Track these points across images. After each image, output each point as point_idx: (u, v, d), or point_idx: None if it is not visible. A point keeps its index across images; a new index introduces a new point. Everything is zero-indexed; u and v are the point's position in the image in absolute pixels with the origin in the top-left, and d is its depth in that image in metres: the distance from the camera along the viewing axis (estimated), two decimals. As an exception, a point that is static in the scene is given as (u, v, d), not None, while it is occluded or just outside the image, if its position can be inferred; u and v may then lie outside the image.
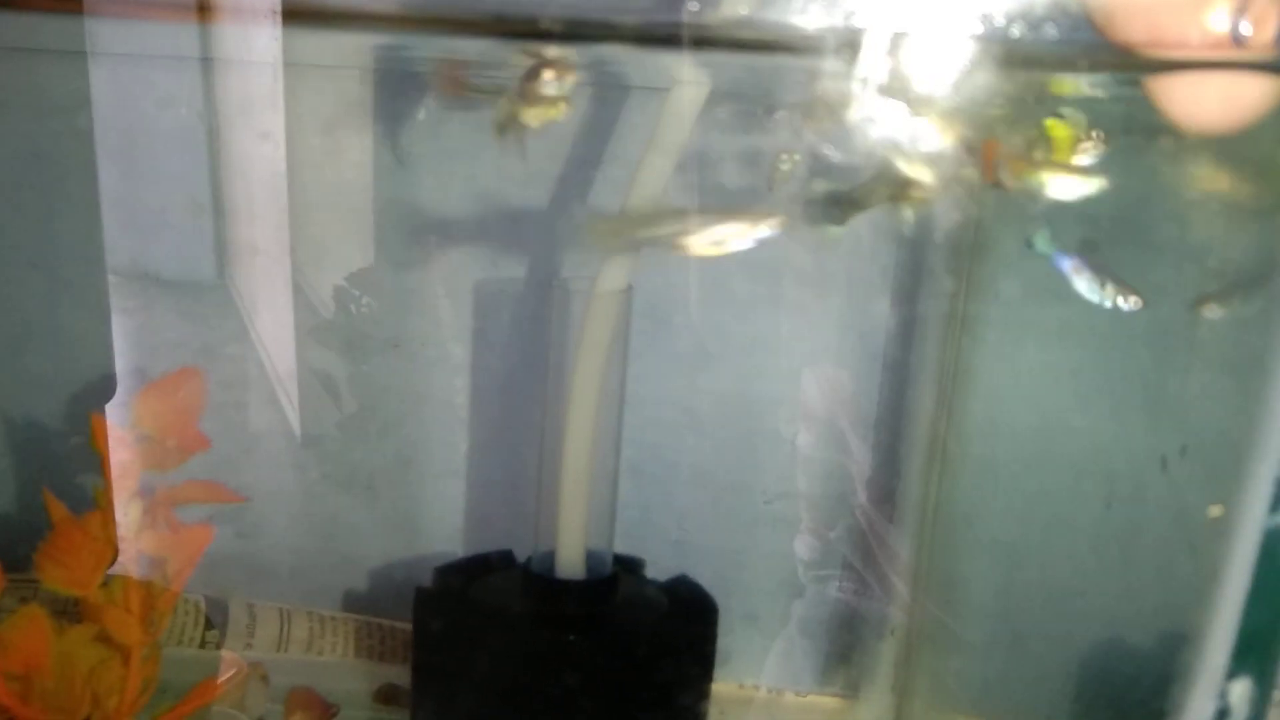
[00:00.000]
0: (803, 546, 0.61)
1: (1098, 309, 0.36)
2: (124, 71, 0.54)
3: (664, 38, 0.28)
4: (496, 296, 0.60)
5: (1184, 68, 0.27)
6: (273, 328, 0.59)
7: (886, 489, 0.60)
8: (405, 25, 0.31)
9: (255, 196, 0.57)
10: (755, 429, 0.61)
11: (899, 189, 0.37)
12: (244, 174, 0.57)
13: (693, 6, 0.25)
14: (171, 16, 0.35)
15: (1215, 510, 0.32)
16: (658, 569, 0.56)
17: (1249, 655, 0.31)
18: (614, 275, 0.46)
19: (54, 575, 0.47)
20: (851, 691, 0.63)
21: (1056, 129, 0.35)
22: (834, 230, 0.43)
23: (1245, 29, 0.25)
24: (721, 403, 0.61)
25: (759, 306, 0.59)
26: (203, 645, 0.59)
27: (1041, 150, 0.36)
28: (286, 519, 0.63)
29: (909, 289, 0.58)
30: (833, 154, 0.36)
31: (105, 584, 0.48)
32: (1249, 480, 0.30)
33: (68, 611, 0.49)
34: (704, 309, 0.59)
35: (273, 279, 0.58)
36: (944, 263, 0.55)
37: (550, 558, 0.50)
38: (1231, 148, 0.35)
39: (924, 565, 0.58)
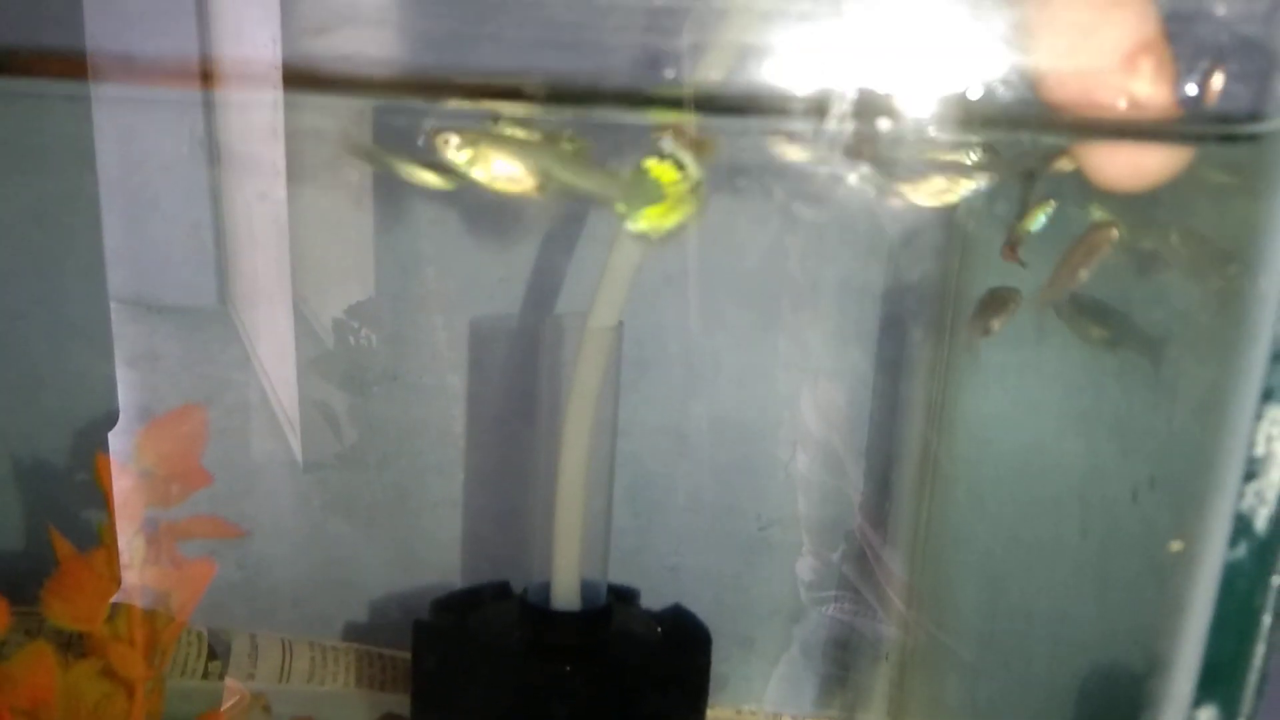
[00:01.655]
0: (804, 569, 0.62)
1: (1069, 349, 0.37)
2: (126, 108, 0.55)
3: (644, 101, 0.29)
4: (493, 330, 0.61)
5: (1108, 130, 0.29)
6: (274, 358, 0.60)
7: (880, 512, 0.61)
8: (391, 90, 0.32)
9: (256, 228, 0.58)
10: (748, 455, 0.62)
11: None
12: (245, 209, 0.58)
13: (669, 73, 0.27)
14: (176, 84, 0.36)
15: (1175, 545, 0.33)
16: (653, 595, 0.56)
17: (1215, 684, 0.32)
18: (605, 312, 0.47)
19: (60, 611, 0.48)
20: (848, 714, 0.64)
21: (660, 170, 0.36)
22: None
23: (1191, 90, 0.26)
24: (714, 429, 0.62)
25: (751, 333, 0.60)
26: (206, 676, 0.59)
27: None
28: (287, 549, 0.64)
29: (896, 329, 0.59)
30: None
31: (110, 619, 0.49)
32: (1209, 515, 0.32)
33: (73, 646, 0.49)
34: (697, 336, 0.60)
35: (274, 309, 0.59)
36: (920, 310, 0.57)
37: (545, 589, 0.51)
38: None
39: (917, 587, 0.59)
